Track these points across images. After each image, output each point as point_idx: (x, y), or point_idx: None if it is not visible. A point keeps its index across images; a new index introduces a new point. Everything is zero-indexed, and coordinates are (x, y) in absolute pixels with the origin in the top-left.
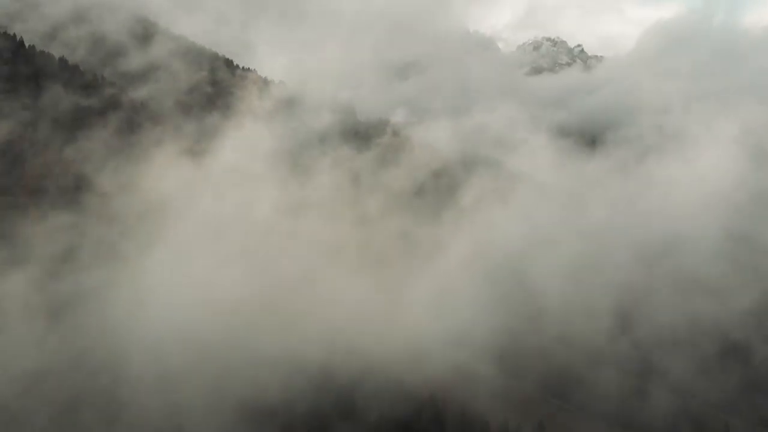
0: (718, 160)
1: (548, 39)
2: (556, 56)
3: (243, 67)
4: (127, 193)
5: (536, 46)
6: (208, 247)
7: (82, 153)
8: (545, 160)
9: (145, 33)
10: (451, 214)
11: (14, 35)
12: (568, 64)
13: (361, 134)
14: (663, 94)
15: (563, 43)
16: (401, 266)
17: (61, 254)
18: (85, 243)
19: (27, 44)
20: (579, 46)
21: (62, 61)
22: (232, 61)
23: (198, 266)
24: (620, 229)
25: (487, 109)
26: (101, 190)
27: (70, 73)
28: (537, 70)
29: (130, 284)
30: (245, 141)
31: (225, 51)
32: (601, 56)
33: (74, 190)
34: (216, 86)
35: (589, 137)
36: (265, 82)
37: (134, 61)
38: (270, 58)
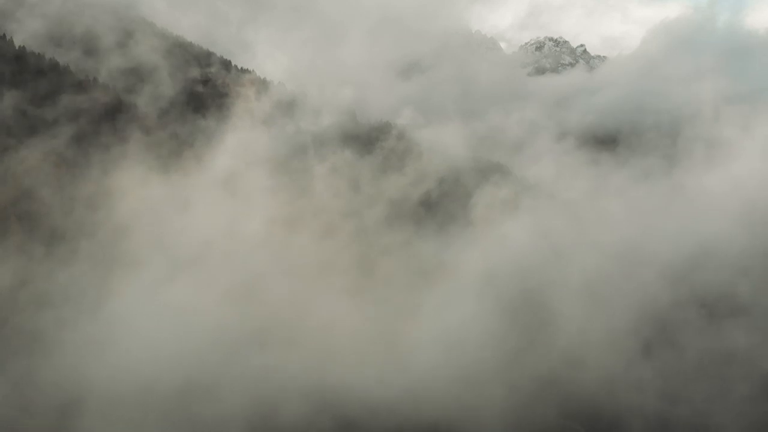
0: (754, 168)
1: (551, 39)
2: (559, 56)
3: (241, 68)
4: (91, 213)
5: (539, 47)
6: (184, 273)
7: (35, 163)
8: (561, 168)
9: (133, 31)
10: (459, 227)
11: None
12: (571, 65)
13: (363, 138)
14: (682, 96)
15: (566, 43)
16: (403, 287)
17: (9, 290)
18: (39, 276)
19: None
20: (582, 46)
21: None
22: (230, 62)
23: (171, 297)
24: (643, 244)
25: (493, 111)
26: (60, 211)
27: (34, 74)
28: (540, 71)
29: (90, 323)
30: (235, 147)
31: (223, 51)
32: (604, 56)
33: (27, 213)
34: (209, 87)
35: (606, 142)
36: (264, 83)
37: (115, 60)
38: (270, 58)
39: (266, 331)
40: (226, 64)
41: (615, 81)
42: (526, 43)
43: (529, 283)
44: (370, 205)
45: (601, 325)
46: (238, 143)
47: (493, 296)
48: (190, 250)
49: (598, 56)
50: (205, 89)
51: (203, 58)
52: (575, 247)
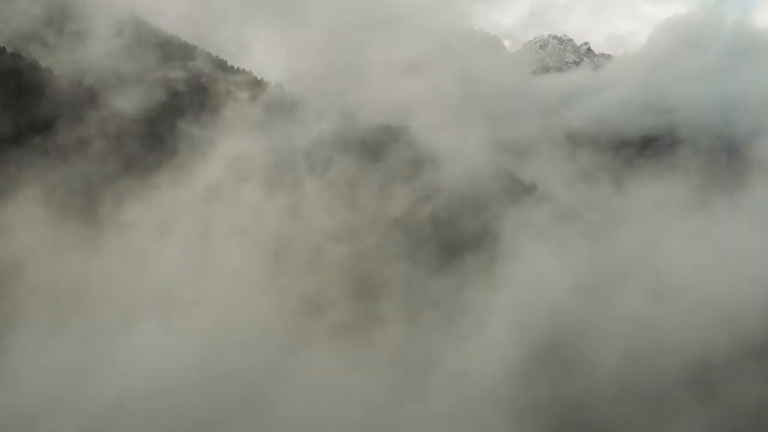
0: None
1: (555, 37)
2: (563, 55)
3: (237, 68)
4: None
5: (542, 45)
6: (142, 320)
7: None
8: (589, 182)
9: (121, 29)
10: (478, 257)
11: None
12: (576, 63)
13: (364, 143)
14: (694, 97)
15: (570, 41)
16: (408, 333)
17: None
18: None
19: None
20: (586, 44)
21: None
22: (226, 62)
23: (122, 352)
24: (701, 283)
25: (497, 111)
26: None
27: None
28: (544, 69)
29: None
30: (223, 156)
31: (220, 50)
32: (609, 54)
33: None
34: (199, 89)
35: (622, 147)
36: (259, 84)
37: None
38: (269, 57)
39: (237, 398)
40: (221, 64)
41: (621, 79)
42: (530, 42)
43: (562, 329)
44: (370, 227)
45: (648, 377)
46: (228, 151)
47: (521, 346)
48: (152, 289)
49: (603, 54)
50: (193, 90)
51: (195, 57)
52: (614, 283)
